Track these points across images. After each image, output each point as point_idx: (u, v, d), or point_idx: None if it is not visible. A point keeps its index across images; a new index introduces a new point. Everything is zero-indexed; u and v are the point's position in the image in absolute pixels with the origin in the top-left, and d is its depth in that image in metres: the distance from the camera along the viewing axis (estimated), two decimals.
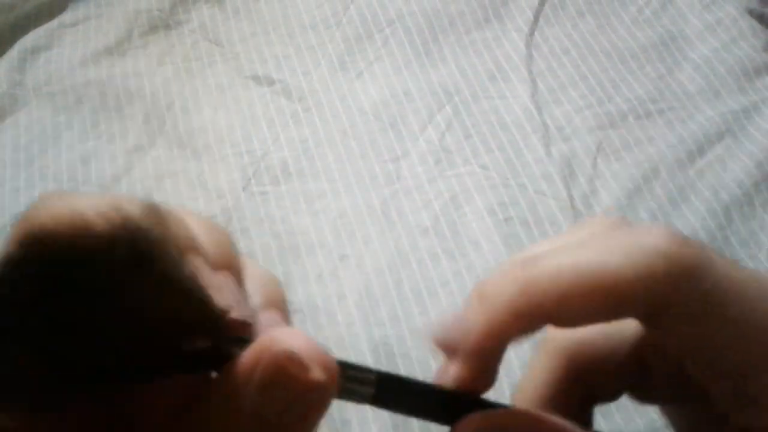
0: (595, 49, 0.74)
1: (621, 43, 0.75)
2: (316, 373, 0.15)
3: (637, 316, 0.20)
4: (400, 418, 0.51)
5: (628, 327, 0.22)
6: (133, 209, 0.15)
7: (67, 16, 0.78)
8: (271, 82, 0.72)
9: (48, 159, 0.66)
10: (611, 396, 0.23)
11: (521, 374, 0.23)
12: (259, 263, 0.20)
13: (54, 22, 0.77)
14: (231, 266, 0.18)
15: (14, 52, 0.74)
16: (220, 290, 0.16)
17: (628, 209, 0.62)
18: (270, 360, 0.15)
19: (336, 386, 0.16)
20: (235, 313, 0.16)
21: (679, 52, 0.74)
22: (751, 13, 0.77)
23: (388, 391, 0.20)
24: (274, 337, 0.16)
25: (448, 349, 0.20)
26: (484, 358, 0.20)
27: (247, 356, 0.16)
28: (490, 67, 0.73)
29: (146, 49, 0.75)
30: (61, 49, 0.75)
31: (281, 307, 0.19)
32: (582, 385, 0.22)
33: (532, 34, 0.75)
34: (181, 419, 0.16)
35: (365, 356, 0.54)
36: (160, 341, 0.15)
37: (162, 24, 0.77)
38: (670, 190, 0.64)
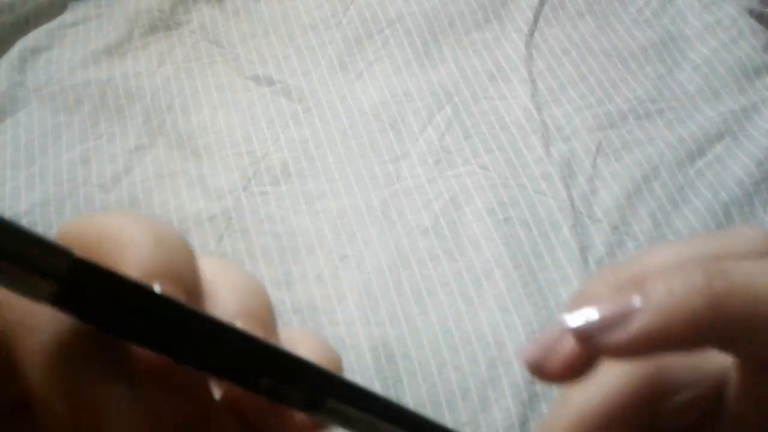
0: (594, 50, 0.74)
1: (621, 43, 0.75)
2: None
3: None
4: None
5: (710, 361, 0.19)
6: None
7: (67, 17, 0.78)
8: (271, 83, 0.72)
9: (48, 159, 0.66)
10: None
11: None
12: (238, 266, 0.19)
13: (54, 23, 0.77)
14: (179, 277, 0.16)
15: (14, 53, 0.74)
16: None
17: (628, 209, 0.62)
18: None
19: None
20: None
21: (679, 52, 0.74)
22: (751, 13, 0.77)
23: (88, 291, 0.14)
24: None
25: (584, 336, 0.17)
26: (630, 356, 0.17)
27: None
28: (489, 67, 0.73)
29: (146, 49, 0.75)
30: (61, 50, 0.75)
31: (260, 314, 0.17)
32: (650, 413, 0.19)
33: (531, 34, 0.75)
34: None
35: (365, 356, 0.54)
36: None
37: (162, 24, 0.77)
38: (670, 190, 0.64)
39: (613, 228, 0.61)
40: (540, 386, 0.53)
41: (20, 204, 0.63)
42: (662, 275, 0.17)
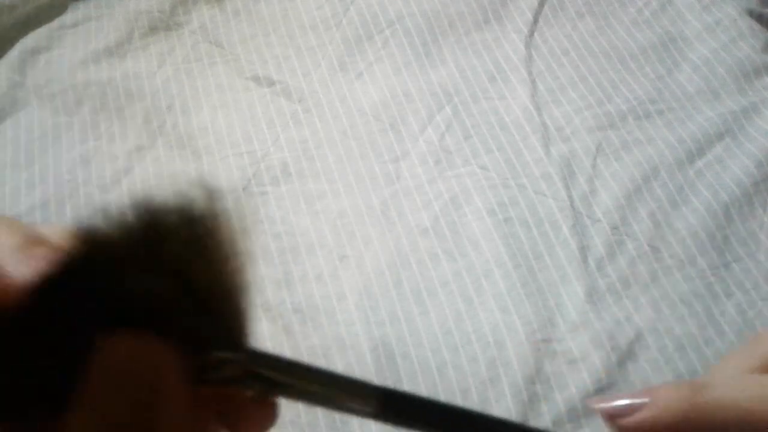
0: (594, 50, 0.74)
1: (620, 44, 0.75)
2: None
3: None
4: None
5: None
6: None
7: (67, 17, 0.78)
8: (271, 83, 0.72)
9: (48, 159, 0.66)
10: None
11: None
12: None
13: (54, 23, 0.77)
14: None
15: (14, 53, 0.74)
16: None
17: (628, 209, 0.62)
18: None
19: None
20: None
21: (679, 52, 0.74)
22: (751, 13, 0.77)
23: (394, 408, 0.20)
24: None
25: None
26: None
27: None
28: (489, 68, 0.73)
29: (146, 50, 0.75)
30: (61, 50, 0.75)
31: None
32: None
33: (531, 35, 0.75)
34: None
35: (365, 356, 0.54)
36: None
37: (162, 25, 0.77)
38: (670, 191, 0.64)
39: (613, 228, 0.61)
40: (540, 386, 0.53)
41: (20, 205, 0.63)
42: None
